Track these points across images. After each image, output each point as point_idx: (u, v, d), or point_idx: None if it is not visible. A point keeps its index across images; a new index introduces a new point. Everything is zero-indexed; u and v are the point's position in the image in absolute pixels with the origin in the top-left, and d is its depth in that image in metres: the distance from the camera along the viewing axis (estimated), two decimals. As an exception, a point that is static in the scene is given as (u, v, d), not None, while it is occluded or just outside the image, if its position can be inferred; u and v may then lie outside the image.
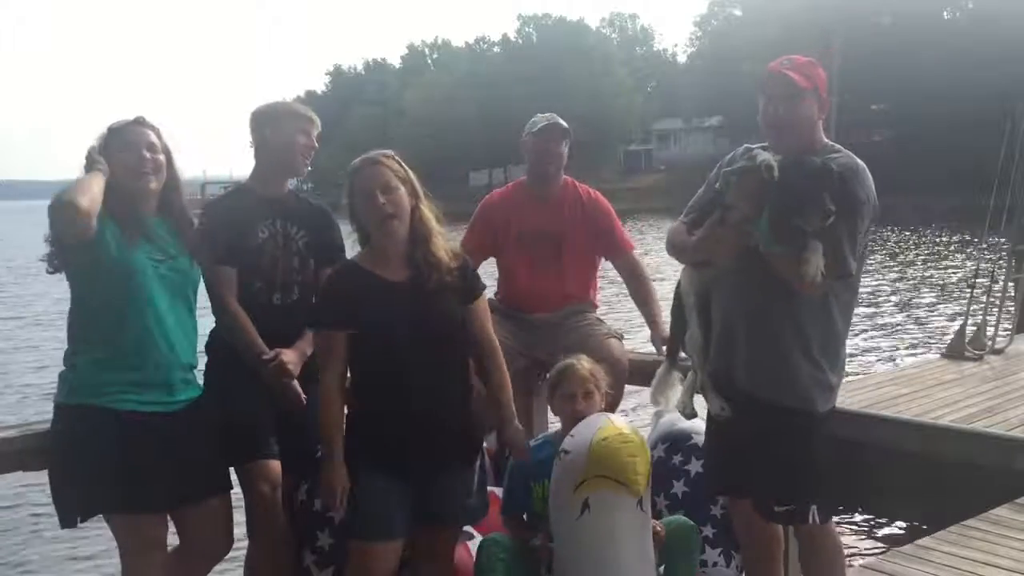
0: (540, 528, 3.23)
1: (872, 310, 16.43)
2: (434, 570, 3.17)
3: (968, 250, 25.14)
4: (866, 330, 14.44)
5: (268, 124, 3.43)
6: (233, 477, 3.32)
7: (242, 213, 3.40)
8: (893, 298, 17.97)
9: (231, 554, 3.29)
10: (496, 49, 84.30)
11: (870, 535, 6.50)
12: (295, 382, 3.29)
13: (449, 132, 70.45)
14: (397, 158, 3.03)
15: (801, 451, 3.03)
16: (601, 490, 2.94)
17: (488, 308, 3.23)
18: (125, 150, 3.02)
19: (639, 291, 4.29)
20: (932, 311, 16.46)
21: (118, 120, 3.10)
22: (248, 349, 3.28)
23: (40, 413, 3.04)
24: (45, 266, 3.03)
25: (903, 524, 6.50)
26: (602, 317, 4.37)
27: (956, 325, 9.77)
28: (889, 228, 32.07)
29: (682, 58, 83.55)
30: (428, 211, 3.03)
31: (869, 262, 23.54)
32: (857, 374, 10.42)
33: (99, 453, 2.90)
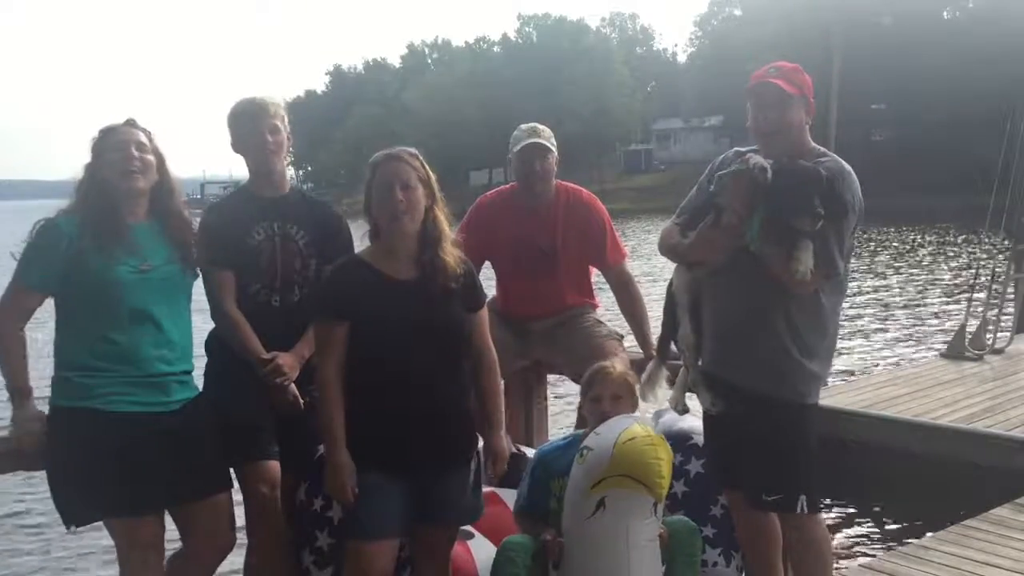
0: (551, 524, 3.22)
1: (872, 310, 16.43)
2: (432, 569, 3.16)
3: (968, 250, 25.15)
4: (866, 330, 14.44)
5: (231, 130, 3.43)
6: (233, 477, 3.32)
7: (237, 215, 3.39)
8: (893, 298, 17.97)
9: (232, 555, 3.29)
10: (496, 49, 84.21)
11: (870, 535, 6.49)
12: (292, 385, 3.28)
13: (449, 132, 70.38)
14: (421, 158, 3.03)
15: (791, 441, 3.13)
16: (620, 489, 2.94)
17: (487, 318, 3.21)
18: (113, 149, 3.03)
19: (629, 306, 4.21)
20: (932, 311, 16.46)
21: (110, 123, 3.11)
22: (245, 351, 3.28)
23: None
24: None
25: (903, 524, 6.50)
26: (602, 318, 4.35)
27: (956, 325, 9.77)
28: (889, 228, 32.07)
29: (682, 58, 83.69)
30: (442, 215, 3.03)
31: (870, 262, 23.58)
32: (857, 374, 10.43)
33: (93, 456, 2.89)
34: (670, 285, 3.37)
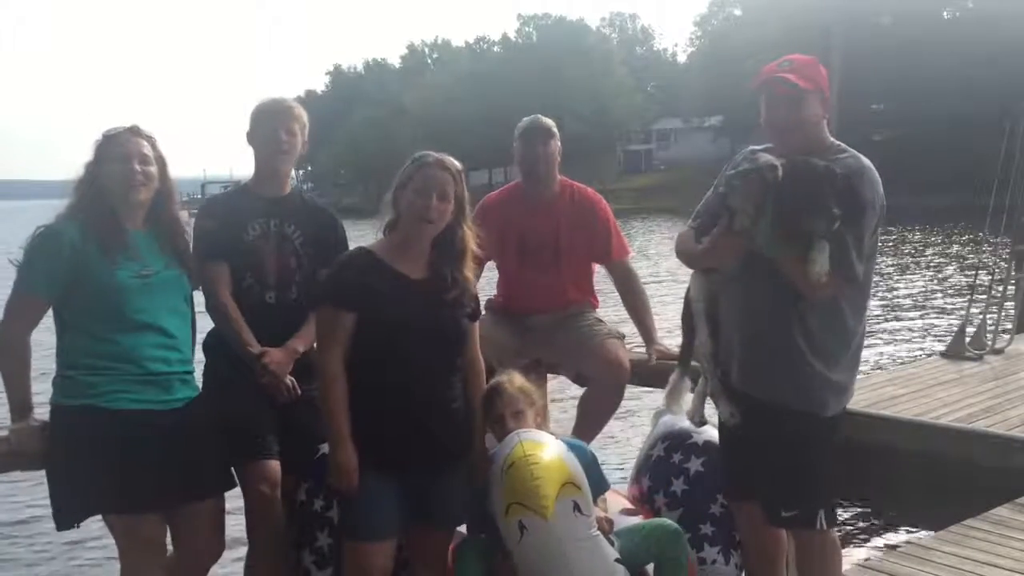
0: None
1: (872, 310, 16.39)
2: (428, 570, 3.16)
3: (968, 250, 25.14)
4: (866, 330, 14.41)
5: (251, 122, 3.47)
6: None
7: (234, 210, 3.43)
8: (893, 298, 17.95)
9: (231, 554, 3.29)
10: (496, 49, 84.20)
11: (870, 535, 6.48)
12: (287, 378, 3.30)
13: (449, 132, 70.32)
14: (462, 175, 3.06)
15: (809, 455, 3.01)
16: (524, 513, 2.92)
17: (477, 330, 3.21)
18: (117, 161, 3.03)
19: (632, 302, 4.25)
20: (932, 311, 16.44)
21: (113, 128, 3.10)
22: (236, 341, 3.29)
23: (39, 413, 3.04)
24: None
25: (903, 524, 6.50)
26: (602, 317, 4.36)
27: (956, 325, 9.76)
28: (889, 228, 32.04)
29: (682, 58, 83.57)
30: (470, 233, 3.06)
31: (869, 262, 23.47)
32: (857, 374, 10.41)
33: (94, 453, 2.90)
34: (687, 292, 3.27)
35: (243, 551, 3.41)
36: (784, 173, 2.80)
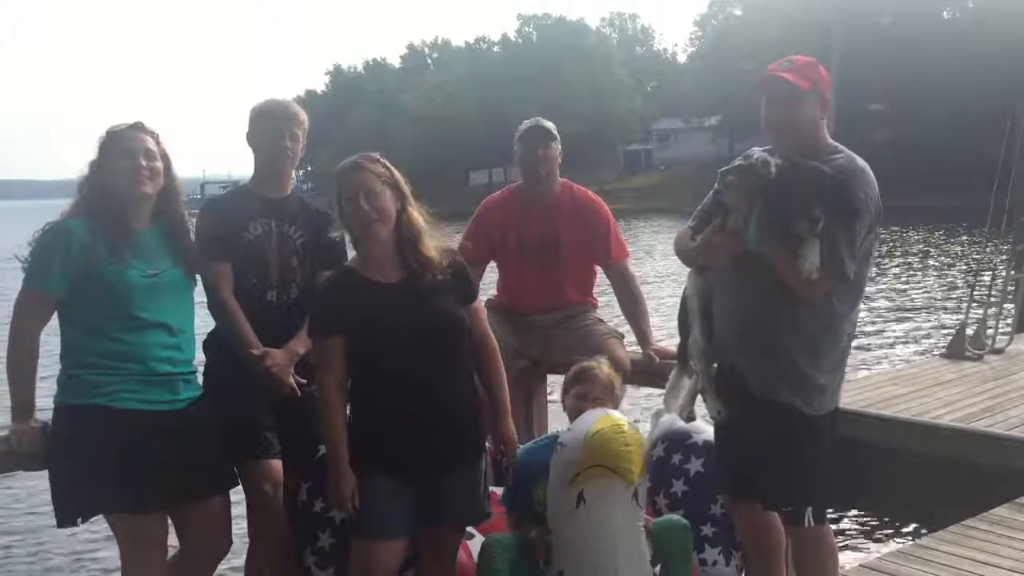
0: (539, 523, 3.22)
1: (872, 310, 16.42)
2: (437, 571, 3.16)
3: (968, 250, 25.15)
4: (866, 330, 14.43)
5: (252, 123, 3.46)
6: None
7: (236, 210, 3.43)
8: (893, 298, 17.97)
9: (232, 554, 3.29)
10: (496, 49, 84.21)
11: (870, 535, 6.49)
12: (289, 377, 3.30)
13: (449, 132, 70.38)
14: (383, 161, 3.02)
15: (797, 452, 3.02)
16: (595, 480, 2.95)
17: (484, 310, 3.24)
18: (123, 157, 3.02)
19: (629, 305, 4.24)
20: (932, 311, 16.46)
21: (117, 124, 3.10)
22: (238, 340, 3.30)
23: (40, 412, 3.03)
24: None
25: (903, 524, 6.50)
26: (602, 317, 4.36)
27: (956, 325, 9.76)
28: (889, 228, 32.05)
29: (682, 58, 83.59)
30: (416, 212, 3.03)
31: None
32: (857, 374, 10.42)
33: (99, 452, 2.89)
34: (684, 291, 3.30)
35: (244, 550, 3.41)
36: (777, 173, 2.82)
